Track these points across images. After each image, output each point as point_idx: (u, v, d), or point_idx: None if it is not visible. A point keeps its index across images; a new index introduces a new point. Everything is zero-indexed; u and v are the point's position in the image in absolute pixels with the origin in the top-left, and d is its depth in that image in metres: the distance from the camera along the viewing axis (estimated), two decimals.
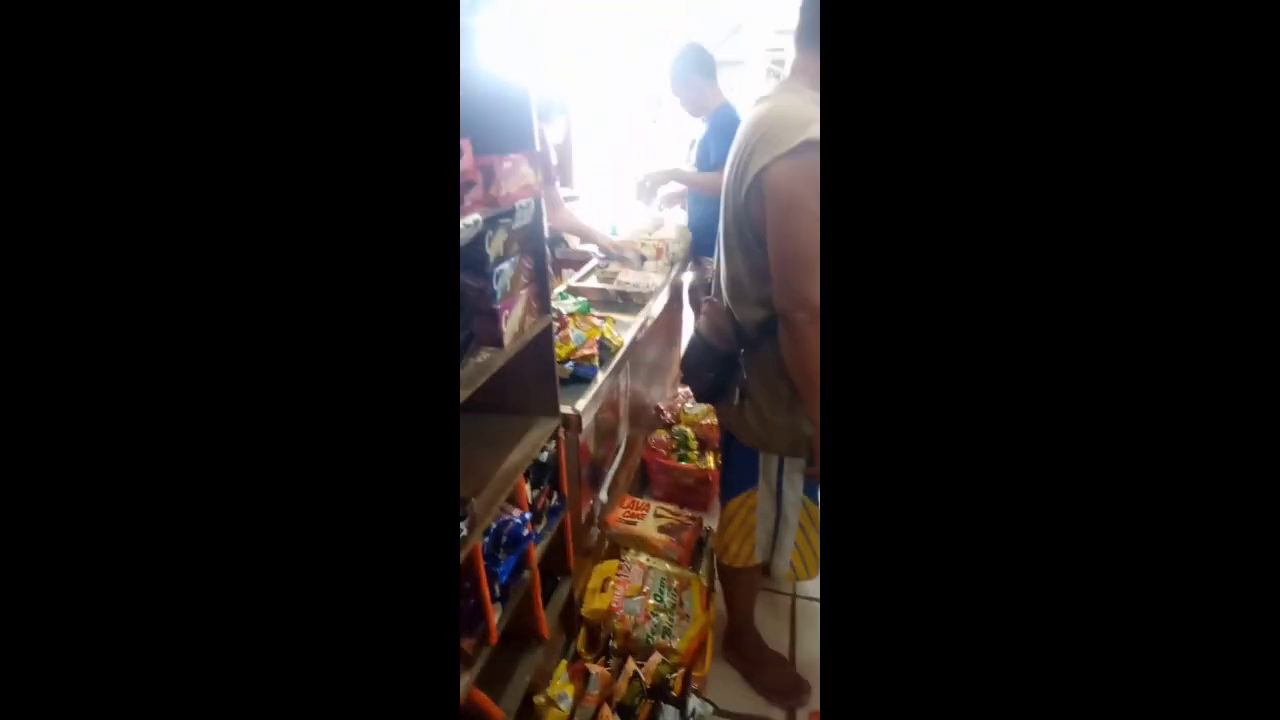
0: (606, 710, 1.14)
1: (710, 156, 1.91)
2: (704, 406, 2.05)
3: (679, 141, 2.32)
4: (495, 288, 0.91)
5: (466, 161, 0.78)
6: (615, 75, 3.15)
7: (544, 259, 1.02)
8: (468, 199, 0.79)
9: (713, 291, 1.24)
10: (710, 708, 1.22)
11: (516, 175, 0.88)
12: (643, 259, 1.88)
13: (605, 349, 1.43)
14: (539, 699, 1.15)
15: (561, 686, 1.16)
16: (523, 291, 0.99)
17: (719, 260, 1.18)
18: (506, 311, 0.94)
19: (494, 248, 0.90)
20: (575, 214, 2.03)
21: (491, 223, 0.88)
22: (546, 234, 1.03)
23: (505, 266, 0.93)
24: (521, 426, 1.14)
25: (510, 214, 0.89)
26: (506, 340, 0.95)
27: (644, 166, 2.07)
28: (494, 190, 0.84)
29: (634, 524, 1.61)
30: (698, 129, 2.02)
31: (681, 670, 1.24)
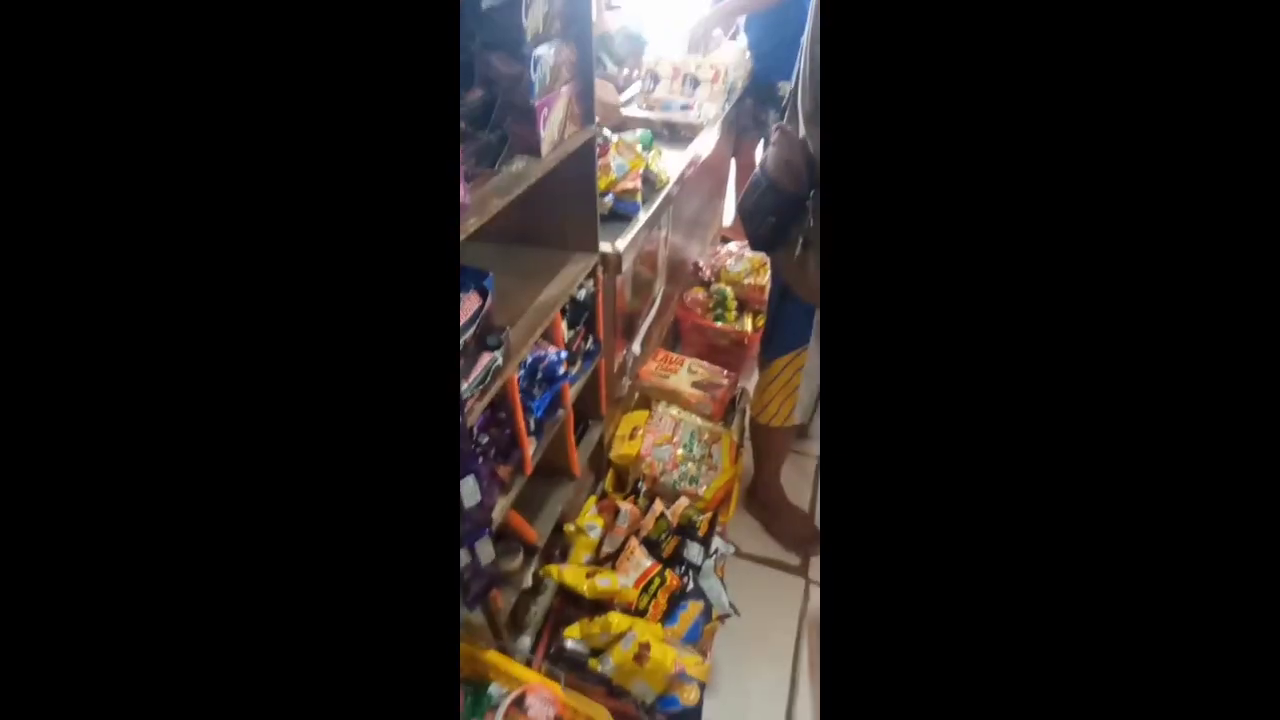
0: (634, 542, 1.18)
1: None
2: (746, 265, 1.91)
3: None
4: (533, 76, 0.74)
5: None
6: None
7: (590, 47, 0.83)
8: None
9: (786, 118, 1.04)
10: (732, 548, 1.27)
11: None
12: (695, 83, 1.61)
13: (650, 184, 1.27)
14: (569, 527, 1.19)
15: (591, 518, 1.20)
16: (564, 89, 0.82)
17: (798, 80, 0.98)
18: (545, 111, 0.78)
19: (532, 20, 0.72)
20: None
21: None
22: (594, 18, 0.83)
23: (545, 50, 0.75)
24: (558, 261, 1.04)
25: None
26: (545, 148, 0.80)
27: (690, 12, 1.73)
28: None
29: (667, 377, 1.57)
30: None
31: (708, 514, 1.27)
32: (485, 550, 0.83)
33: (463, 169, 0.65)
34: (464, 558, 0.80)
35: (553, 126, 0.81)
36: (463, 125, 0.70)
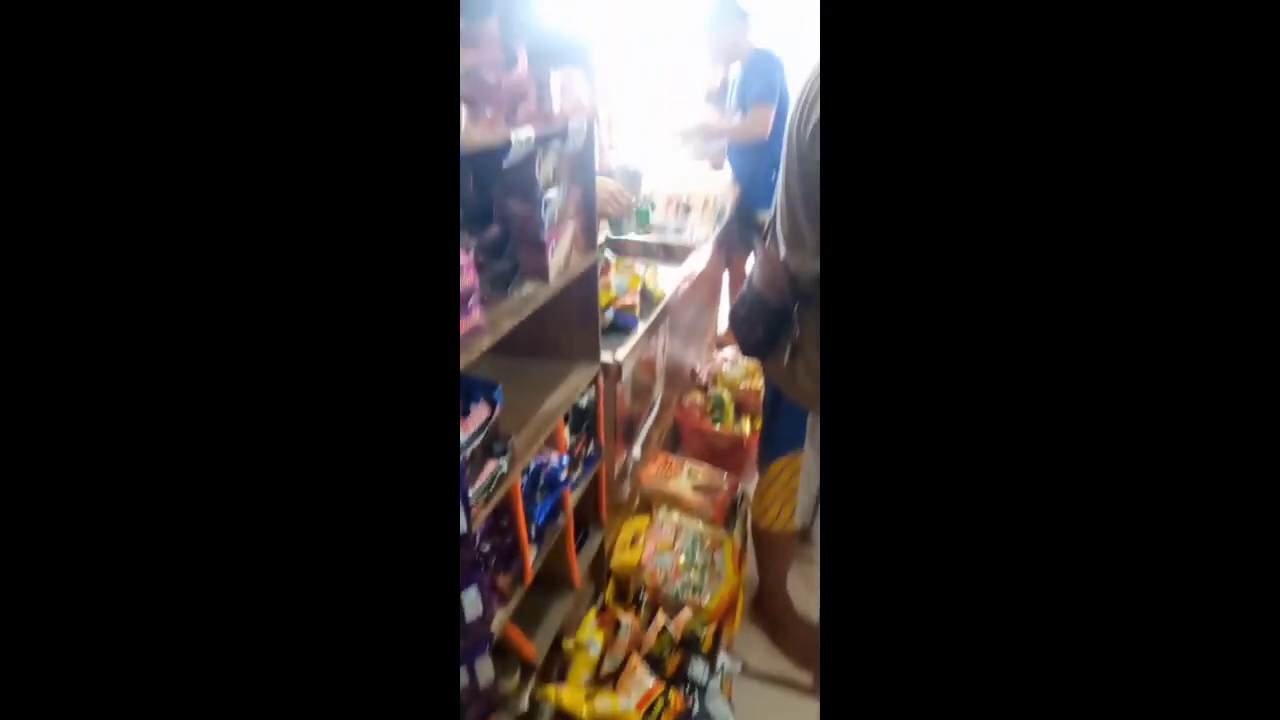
0: (636, 658, 1.13)
1: (750, 97, 1.84)
2: (742, 370, 1.99)
3: (693, 91, 2.23)
4: (544, 216, 0.86)
5: (520, 69, 0.72)
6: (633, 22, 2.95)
7: (593, 190, 0.97)
8: (520, 112, 0.74)
9: (768, 241, 1.17)
10: (739, 664, 1.20)
11: (571, 91, 0.82)
12: (687, 210, 1.80)
13: (647, 299, 1.38)
14: (568, 643, 1.14)
15: (591, 633, 1.15)
16: (570, 223, 0.94)
17: (777, 209, 1.11)
18: (554, 242, 0.89)
19: (544, 172, 0.85)
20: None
21: (544, 143, 0.82)
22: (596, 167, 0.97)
23: (554, 194, 0.88)
24: (561, 370, 1.11)
25: (563, 135, 0.83)
26: (552, 275, 0.90)
27: (671, 119, 2.01)
28: (547, 106, 0.78)
29: (668, 481, 1.58)
30: (721, 76, 1.95)
31: (713, 626, 1.22)
32: (485, 669, 0.80)
33: (478, 294, 0.74)
34: (462, 678, 0.78)
35: (559, 255, 0.92)
36: (480, 257, 0.80)
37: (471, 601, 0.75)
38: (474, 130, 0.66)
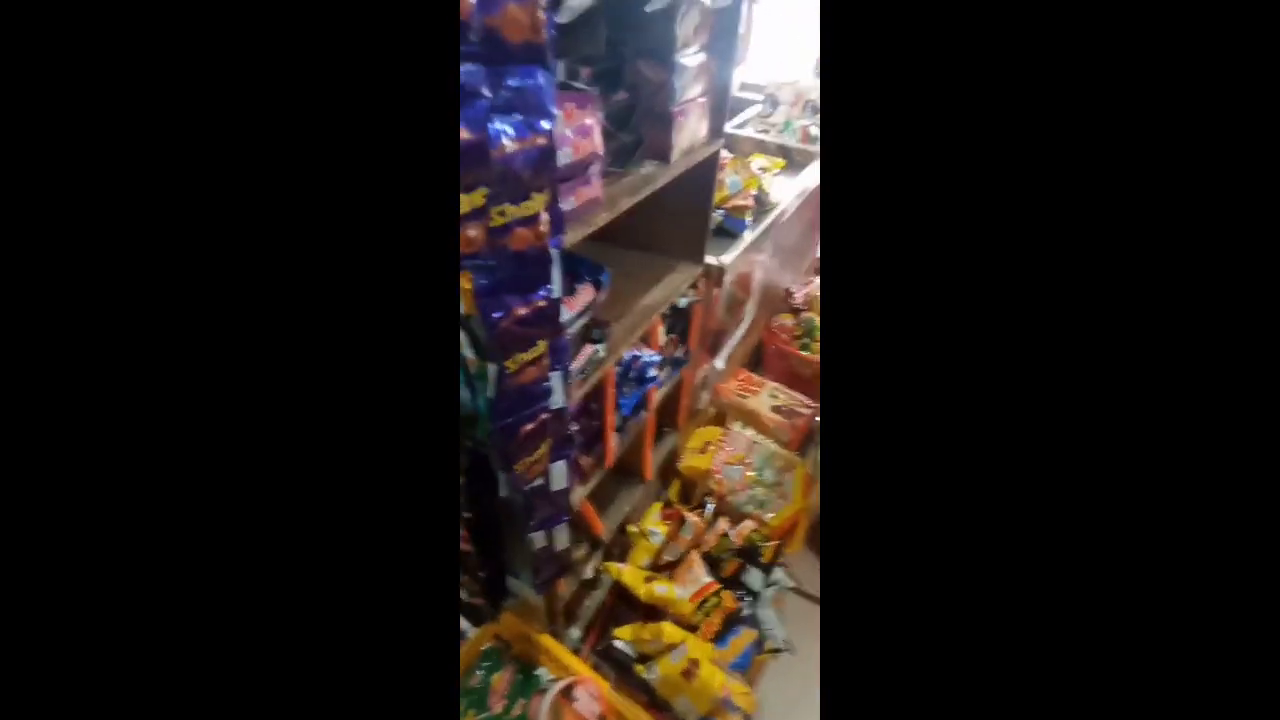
0: (695, 555, 1.17)
1: None
2: None
3: None
4: (676, 84, 0.77)
5: None
6: None
7: (732, 62, 0.85)
8: None
9: None
10: (792, 582, 1.23)
11: None
12: (815, 110, 1.60)
13: (760, 204, 1.27)
14: (633, 528, 1.20)
15: (655, 523, 1.20)
16: (700, 100, 0.84)
17: None
18: (680, 118, 0.81)
19: (684, 28, 0.74)
20: None
21: None
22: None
23: (690, 59, 0.78)
24: (663, 267, 1.06)
25: None
26: (674, 155, 0.83)
27: None
28: None
29: (746, 398, 1.55)
30: None
31: (774, 543, 1.23)
32: (561, 536, 0.85)
33: (601, 165, 0.68)
34: (541, 540, 0.83)
35: (685, 134, 0.84)
36: (605, 125, 0.74)
37: (559, 473, 0.77)
38: None
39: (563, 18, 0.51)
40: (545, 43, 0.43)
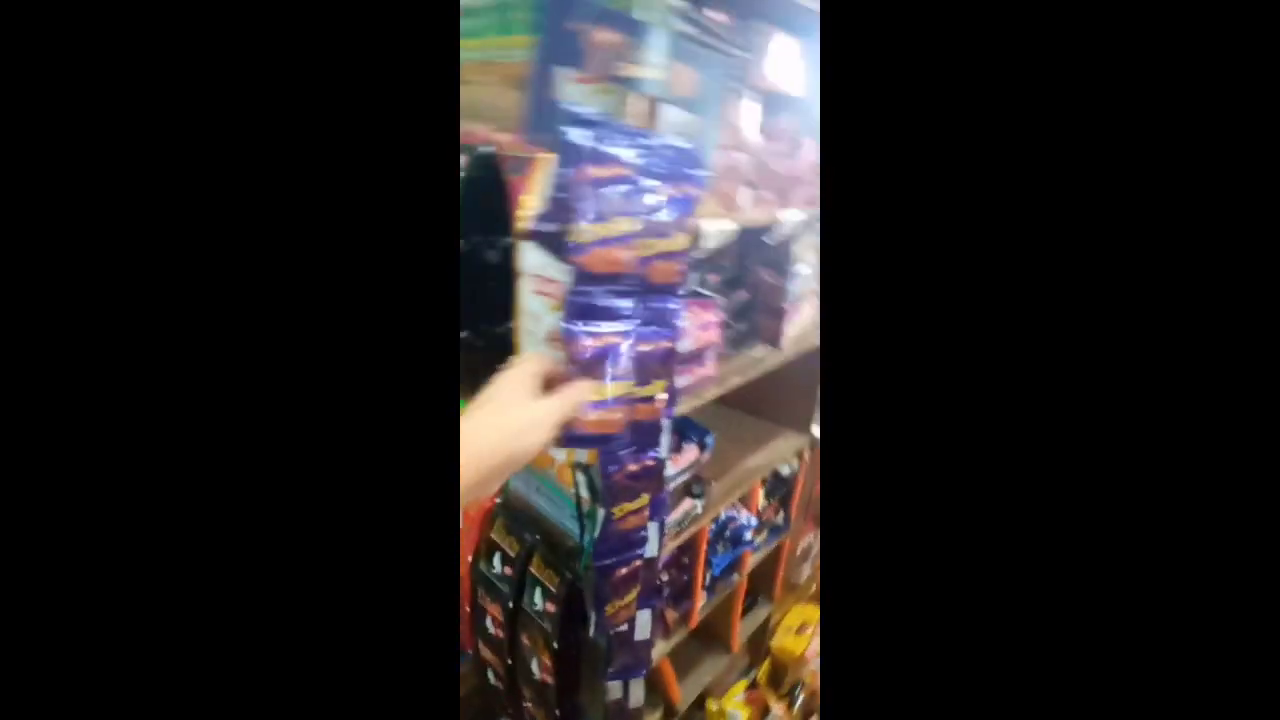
0: None
1: None
2: None
3: None
4: (790, 287, 0.91)
5: (803, 158, 0.80)
6: None
7: None
8: (793, 195, 0.81)
9: None
10: None
11: None
12: None
13: None
14: (713, 705, 1.12)
15: (736, 704, 1.12)
16: (813, 300, 0.97)
17: None
18: (793, 315, 0.93)
19: (799, 248, 0.90)
20: None
21: (808, 224, 0.88)
22: None
23: (804, 269, 0.92)
24: (769, 433, 1.13)
25: None
26: (785, 342, 0.94)
27: None
28: (816, 194, 0.84)
29: None
30: None
31: None
32: (637, 692, 0.85)
33: (716, 349, 0.82)
34: (616, 691, 0.84)
35: (796, 326, 0.96)
36: (725, 317, 0.89)
37: (644, 622, 0.81)
38: (752, 210, 0.75)
39: (700, 254, 0.68)
40: (682, 280, 0.58)
